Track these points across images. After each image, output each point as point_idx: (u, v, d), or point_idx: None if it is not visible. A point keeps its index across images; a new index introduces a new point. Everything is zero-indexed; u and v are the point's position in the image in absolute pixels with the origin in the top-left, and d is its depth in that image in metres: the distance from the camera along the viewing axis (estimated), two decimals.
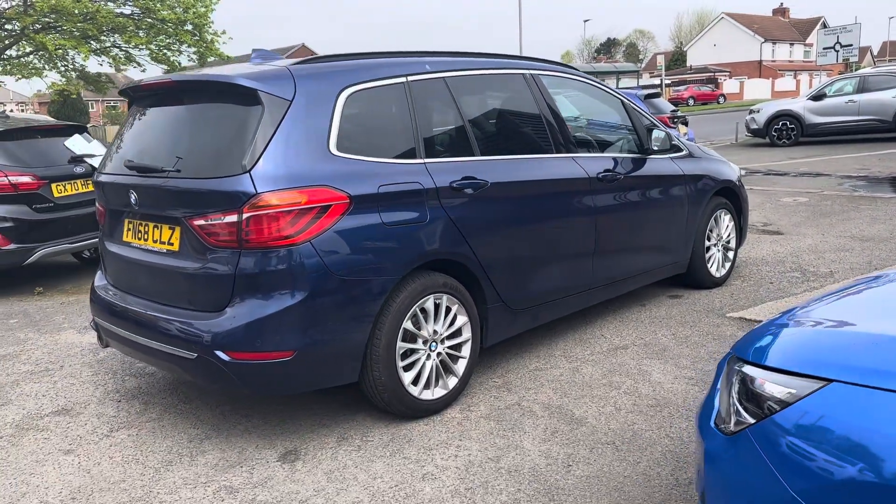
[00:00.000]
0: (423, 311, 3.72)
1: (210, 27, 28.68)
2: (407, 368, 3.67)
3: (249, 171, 3.21)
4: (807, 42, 67.52)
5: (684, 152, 5.53)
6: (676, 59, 72.87)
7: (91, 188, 7.38)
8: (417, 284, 3.64)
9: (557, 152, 4.54)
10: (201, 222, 3.32)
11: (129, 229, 3.83)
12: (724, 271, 6.01)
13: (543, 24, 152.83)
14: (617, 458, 3.30)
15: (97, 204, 4.14)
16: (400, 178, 3.61)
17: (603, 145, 5.08)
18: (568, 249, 4.53)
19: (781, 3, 71.51)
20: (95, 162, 7.44)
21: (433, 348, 3.79)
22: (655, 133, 5.18)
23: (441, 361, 3.84)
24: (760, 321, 4.93)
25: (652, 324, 5.11)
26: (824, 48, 39.04)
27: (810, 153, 16.15)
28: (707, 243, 5.78)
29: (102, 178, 3.99)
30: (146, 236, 3.69)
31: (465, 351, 3.94)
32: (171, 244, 3.53)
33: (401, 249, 3.57)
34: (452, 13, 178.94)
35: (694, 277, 5.77)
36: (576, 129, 4.92)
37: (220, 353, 3.26)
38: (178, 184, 3.41)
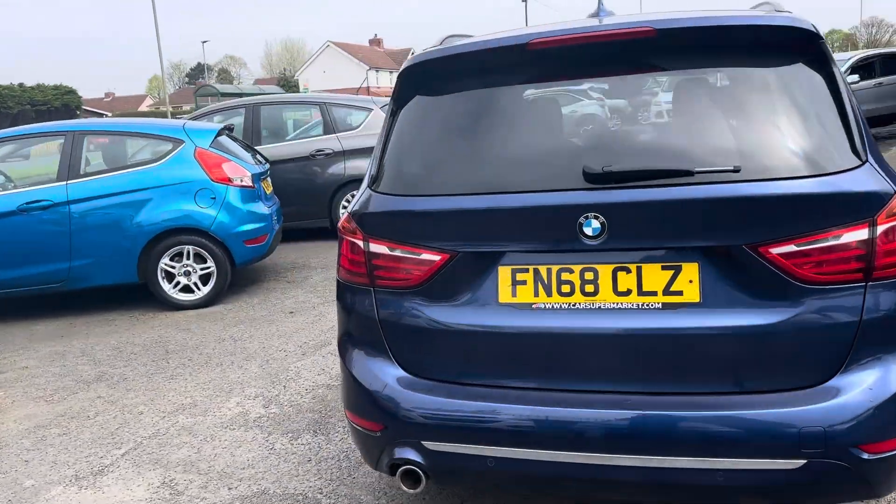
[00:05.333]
0: None
1: None
2: None
3: (867, 160, 2.10)
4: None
5: None
6: (283, 85, 73.86)
7: None
8: None
9: None
10: (787, 249, 2.08)
11: (521, 282, 2.26)
12: None
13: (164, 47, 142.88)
14: None
15: (409, 252, 2.37)
16: None
17: None
18: None
19: (376, 35, 77.24)
20: None
21: None
22: None
23: None
24: None
25: None
26: None
27: None
28: None
29: (450, 204, 2.31)
30: (592, 287, 2.21)
31: None
32: (677, 293, 2.16)
33: None
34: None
35: None
36: None
37: (855, 451, 2.07)
38: (732, 191, 2.08)
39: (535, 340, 2.26)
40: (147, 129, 6.57)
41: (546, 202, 2.19)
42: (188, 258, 6.31)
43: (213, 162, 6.34)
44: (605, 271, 2.20)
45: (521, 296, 2.27)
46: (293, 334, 5.41)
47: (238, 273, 6.78)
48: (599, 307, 2.21)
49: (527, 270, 2.26)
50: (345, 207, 8.94)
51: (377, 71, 68.52)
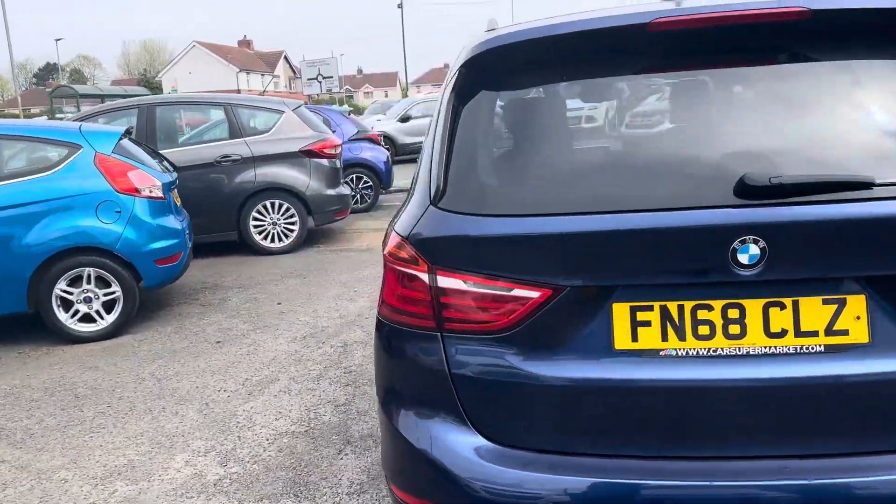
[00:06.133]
0: None
1: None
2: None
3: None
4: (275, 73, 71.79)
5: None
6: (146, 86, 70.17)
7: None
8: None
9: None
10: None
11: (644, 323, 1.80)
12: None
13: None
14: None
15: (496, 288, 1.84)
16: None
17: None
18: None
19: (245, 36, 74.65)
20: None
21: None
22: None
23: None
24: None
25: None
26: (308, 79, 42.59)
27: None
28: None
29: (551, 226, 1.80)
30: (738, 327, 1.78)
31: None
32: (842, 333, 1.76)
33: None
34: None
35: None
36: None
37: None
38: None
39: (664, 397, 1.80)
40: (36, 133, 5.58)
41: (686, 222, 1.73)
42: (89, 282, 5.41)
43: (117, 170, 5.47)
44: (753, 308, 1.77)
45: (644, 341, 1.80)
46: (228, 369, 4.69)
47: (141, 296, 5.91)
48: (748, 353, 1.78)
49: (651, 308, 1.80)
50: (256, 219, 8.15)
51: (248, 73, 66.25)
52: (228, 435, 3.71)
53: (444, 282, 1.89)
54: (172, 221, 5.83)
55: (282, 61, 73.76)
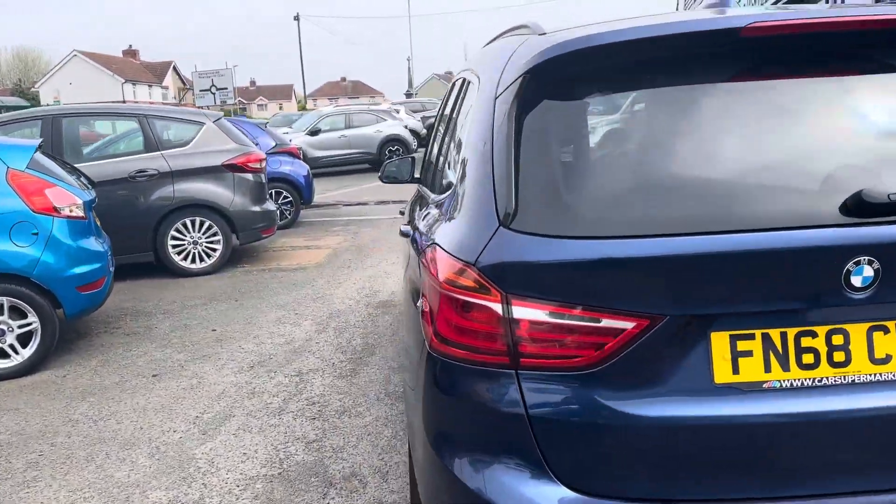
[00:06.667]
0: None
1: None
2: None
3: None
4: (164, 84, 69.04)
5: None
6: (22, 96, 65.99)
7: None
8: None
9: None
10: None
11: (745, 353, 1.65)
12: None
13: None
14: None
15: (583, 318, 1.64)
16: None
17: None
18: None
19: (130, 46, 71.42)
20: None
21: None
22: None
23: None
24: None
25: None
26: (201, 90, 41.32)
27: (335, 185, 16.48)
28: None
29: (643, 249, 1.61)
30: (842, 354, 1.66)
31: None
32: None
33: None
34: None
35: None
36: None
37: None
38: None
39: (769, 433, 1.66)
40: None
41: (797, 243, 1.60)
42: (1, 313, 4.83)
43: (33, 187, 4.92)
44: (857, 333, 1.65)
45: (745, 373, 1.65)
46: (173, 406, 4.26)
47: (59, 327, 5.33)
48: (853, 381, 1.66)
49: (752, 337, 1.65)
50: (175, 238, 7.61)
51: (134, 84, 63.40)
52: (192, 483, 3.33)
53: (521, 312, 1.67)
54: (94, 243, 5.31)
55: (171, 72, 71.08)
